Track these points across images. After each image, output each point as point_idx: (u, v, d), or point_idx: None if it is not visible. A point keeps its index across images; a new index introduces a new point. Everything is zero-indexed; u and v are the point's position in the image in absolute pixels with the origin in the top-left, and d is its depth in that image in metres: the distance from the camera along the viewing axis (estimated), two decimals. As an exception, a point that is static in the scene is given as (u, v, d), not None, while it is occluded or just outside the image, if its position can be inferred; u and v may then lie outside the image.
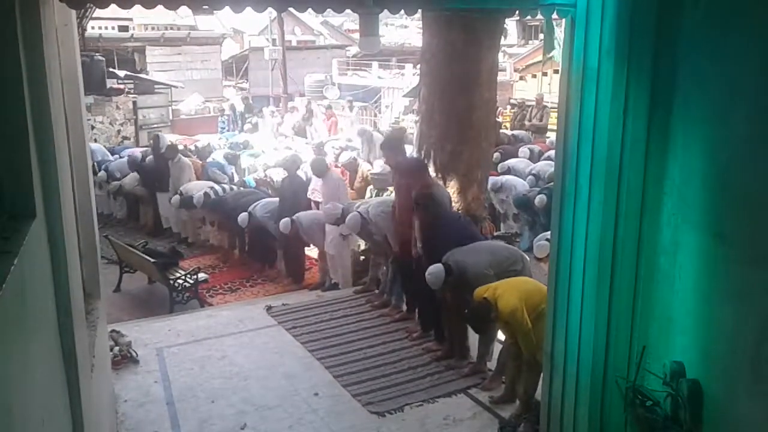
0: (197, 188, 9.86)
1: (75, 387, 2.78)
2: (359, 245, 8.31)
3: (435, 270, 5.31)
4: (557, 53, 18.52)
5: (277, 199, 8.92)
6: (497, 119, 14.24)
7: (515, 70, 26.79)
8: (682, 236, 3.15)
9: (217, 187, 9.84)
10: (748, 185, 2.78)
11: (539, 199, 8.57)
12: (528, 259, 5.87)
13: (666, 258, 3.26)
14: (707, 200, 3.00)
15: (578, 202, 3.47)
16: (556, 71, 24.44)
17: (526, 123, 15.18)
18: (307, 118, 16.98)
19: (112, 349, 5.66)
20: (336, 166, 11.34)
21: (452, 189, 7.27)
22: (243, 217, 8.66)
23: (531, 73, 25.60)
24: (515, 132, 14.33)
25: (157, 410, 5.05)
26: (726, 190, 2.90)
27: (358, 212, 6.92)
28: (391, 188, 9.29)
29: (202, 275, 8.23)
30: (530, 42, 33.32)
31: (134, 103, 19.04)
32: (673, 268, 3.21)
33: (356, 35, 27.42)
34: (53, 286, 2.65)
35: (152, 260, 8.04)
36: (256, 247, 9.27)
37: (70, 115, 3.87)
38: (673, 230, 3.20)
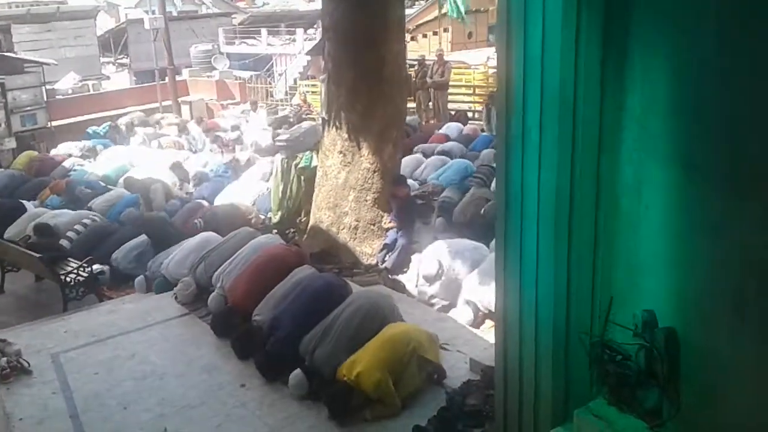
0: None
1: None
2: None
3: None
4: (450, 8, 18.43)
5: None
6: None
7: (406, 31, 26.67)
8: (646, 172, 2.85)
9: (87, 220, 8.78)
10: (722, 108, 2.50)
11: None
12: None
13: (628, 199, 2.97)
14: (674, 130, 2.71)
15: (527, 144, 3.11)
16: (446, 30, 24.53)
17: (428, 80, 15.21)
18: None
19: (-2, 362, 4.97)
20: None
21: (366, 150, 6.87)
22: (140, 280, 7.28)
23: (422, 33, 25.65)
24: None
25: (60, 426, 4.50)
26: (696, 116, 2.61)
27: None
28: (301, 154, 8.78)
29: (97, 266, 7.49)
30: (417, 2, 33.27)
31: (2, 84, 17.40)
32: (637, 208, 2.92)
33: (242, 3, 26.28)
34: None
35: (37, 255, 7.28)
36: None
37: None
38: (635, 167, 2.90)
